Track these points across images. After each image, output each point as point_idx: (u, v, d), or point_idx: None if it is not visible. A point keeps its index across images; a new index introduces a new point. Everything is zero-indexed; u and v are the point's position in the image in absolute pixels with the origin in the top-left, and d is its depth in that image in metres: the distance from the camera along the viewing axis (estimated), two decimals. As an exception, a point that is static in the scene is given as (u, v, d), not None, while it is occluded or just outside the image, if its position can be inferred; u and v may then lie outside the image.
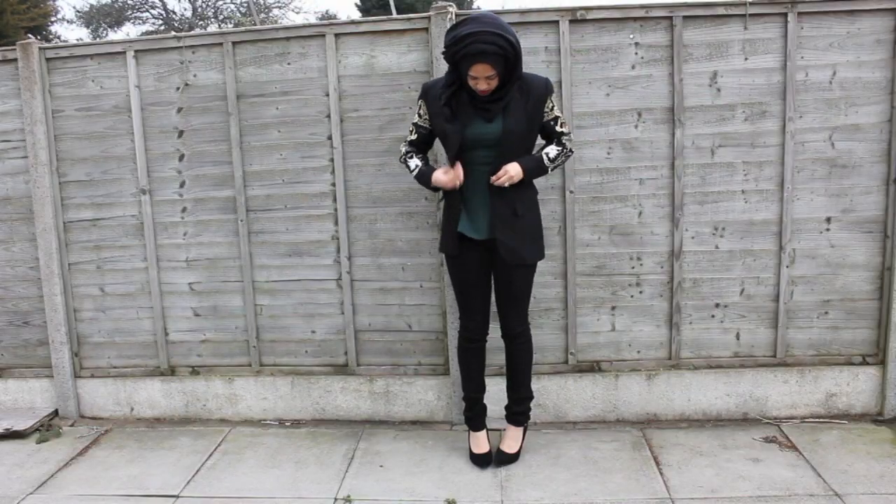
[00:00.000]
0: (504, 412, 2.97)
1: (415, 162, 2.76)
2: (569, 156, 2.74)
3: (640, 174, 3.14)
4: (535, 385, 3.19)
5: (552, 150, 2.68)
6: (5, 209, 3.49)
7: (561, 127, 2.67)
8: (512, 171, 2.57)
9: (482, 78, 2.45)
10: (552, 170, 2.71)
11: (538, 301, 3.21)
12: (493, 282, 2.81)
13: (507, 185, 2.58)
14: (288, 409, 3.45)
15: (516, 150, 2.61)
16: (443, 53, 2.54)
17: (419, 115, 2.74)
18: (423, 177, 2.72)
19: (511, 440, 2.91)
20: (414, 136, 2.77)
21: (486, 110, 2.55)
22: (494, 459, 2.87)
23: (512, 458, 2.87)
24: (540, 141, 2.75)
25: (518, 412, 2.92)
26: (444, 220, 2.78)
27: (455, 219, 2.70)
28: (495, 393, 3.05)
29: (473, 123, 2.58)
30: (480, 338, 2.86)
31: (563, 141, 2.69)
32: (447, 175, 2.63)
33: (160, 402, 3.53)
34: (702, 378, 3.24)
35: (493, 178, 2.58)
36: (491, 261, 2.75)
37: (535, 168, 2.65)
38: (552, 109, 2.64)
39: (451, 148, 2.60)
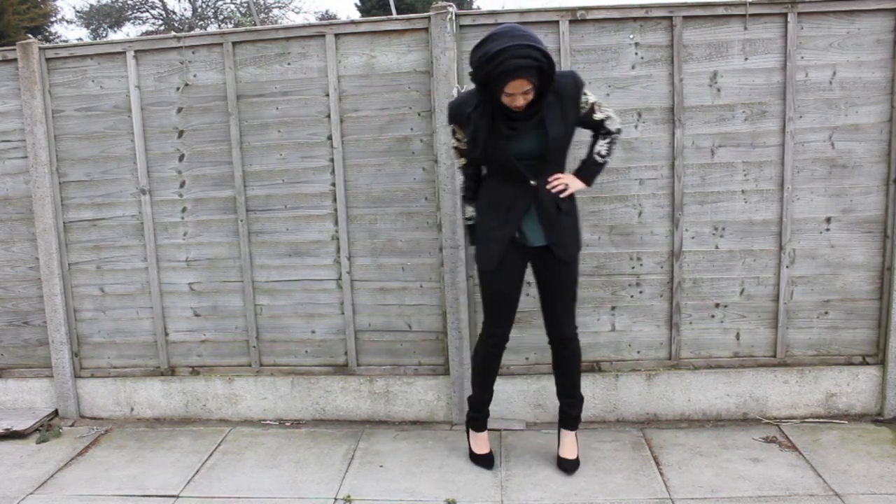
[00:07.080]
0: (557, 417, 2.89)
1: (469, 210, 2.76)
2: (617, 139, 2.64)
3: (640, 174, 3.14)
4: (535, 385, 3.20)
5: (602, 147, 2.62)
6: (5, 209, 3.49)
7: (600, 112, 2.56)
8: (568, 181, 2.57)
9: (519, 94, 2.32)
10: (609, 160, 2.66)
11: (538, 301, 3.20)
12: (540, 288, 2.75)
13: (561, 194, 2.56)
14: (288, 409, 3.45)
15: (561, 155, 2.57)
16: (470, 74, 2.39)
17: (457, 140, 2.63)
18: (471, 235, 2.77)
19: (571, 445, 2.85)
20: (463, 161, 2.70)
21: (524, 122, 2.43)
22: (560, 467, 2.83)
23: (576, 465, 2.83)
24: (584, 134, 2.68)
25: (574, 416, 2.85)
26: (486, 231, 2.65)
27: (506, 230, 2.61)
28: (497, 393, 3.04)
29: (515, 139, 2.47)
30: (503, 344, 2.82)
31: (607, 126, 2.58)
32: None
33: (160, 402, 3.53)
34: (702, 378, 3.24)
35: (550, 185, 2.54)
36: (533, 267, 2.71)
37: (594, 174, 2.65)
38: (587, 102, 2.53)
39: (501, 166, 2.55)
